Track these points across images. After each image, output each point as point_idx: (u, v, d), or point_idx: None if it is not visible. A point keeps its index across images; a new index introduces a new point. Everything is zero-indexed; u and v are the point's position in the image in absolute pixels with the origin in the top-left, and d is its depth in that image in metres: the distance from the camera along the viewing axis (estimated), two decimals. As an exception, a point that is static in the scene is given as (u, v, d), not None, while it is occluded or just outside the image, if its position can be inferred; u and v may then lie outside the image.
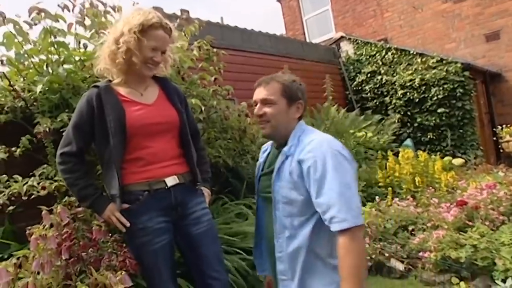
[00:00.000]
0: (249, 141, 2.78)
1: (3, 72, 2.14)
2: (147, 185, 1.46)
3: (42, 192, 1.87)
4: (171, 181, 1.49)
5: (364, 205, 3.49)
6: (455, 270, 2.49)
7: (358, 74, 6.84)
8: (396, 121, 6.09)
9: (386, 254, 2.84)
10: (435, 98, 5.77)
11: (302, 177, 1.24)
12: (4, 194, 1.95)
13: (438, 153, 5.88)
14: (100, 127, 1.47)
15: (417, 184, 3.49)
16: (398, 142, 5.79)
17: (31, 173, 2.21)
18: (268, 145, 1.54)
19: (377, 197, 3.49)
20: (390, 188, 3.67)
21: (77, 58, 2.41)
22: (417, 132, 6.11)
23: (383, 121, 6.06)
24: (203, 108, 2.19)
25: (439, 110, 5.77)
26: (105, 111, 1.47)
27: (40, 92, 2.14)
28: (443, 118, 5.76)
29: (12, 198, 1.98)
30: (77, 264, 1.56)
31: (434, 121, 5.82)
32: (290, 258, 1.29)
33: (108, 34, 1.55)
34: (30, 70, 2.35)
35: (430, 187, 3.52)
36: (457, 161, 4.07)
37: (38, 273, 1.43)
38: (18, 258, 1.44)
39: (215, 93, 2.48)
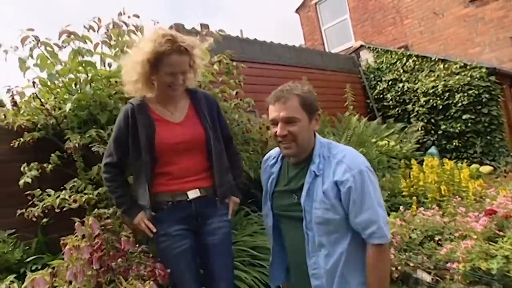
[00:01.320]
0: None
1: (35, 93, 2.28)
2: (171, 197, 1.62)
3: (74, 205, 1.96)
4: (192, 194, 1.64)
5: (388, 214, 3.43)
6: (485, 282, 2.41)
7: (379, 83, 6.78)
8: (419, 129, 5.97)
9: (412, 265, 2.77)
10: (459, 104, 5.63)
11: (339, 198, 1.27)
12: (39, 207, 2.06)
13: (465, 160, 5.73)
14: (134, 141, 1.63)
15: (443, 193, 3.40)
16: (422, 150, 5.67)
17: (62, 187, 2.33)
18: (273, 156, 1.52)
19: (401, 207, 3.42)
20: (414, 198, 3.59)
21: (103, 76, 2.54)
22: (442, 140, 5.97)
23: (406, 129, 5.96)
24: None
25: (464, 117, 5.62)
26: (138, 128, 1.61)
27: (69, 110, 2.27)
28: (469, 124, 5.61)
29: (46, 211, 2.09)
30: (107, 274, 1.62)
31: (459, 128, 5.67)
32: (328, 274, 1.32)
33: (129, 56, 1.66)
34: (61, 89, 2.49)
35: (457, 196, 3.42)
36: (485, 169, 3.95)
37: (71, 282, 1.51)
38: (53, 268, 1.52)
39: (237, 107, 2.54)
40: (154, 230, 1.61)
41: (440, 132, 5.93)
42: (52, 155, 2.32)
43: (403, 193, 3.68)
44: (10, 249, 2.17)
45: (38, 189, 2.19)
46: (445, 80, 5.78)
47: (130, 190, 1.73)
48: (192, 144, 1.65)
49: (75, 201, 1.98)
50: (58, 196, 2.10)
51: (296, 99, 1.30)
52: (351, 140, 4.21)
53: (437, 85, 5.82)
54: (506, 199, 3.11)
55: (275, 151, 1.55)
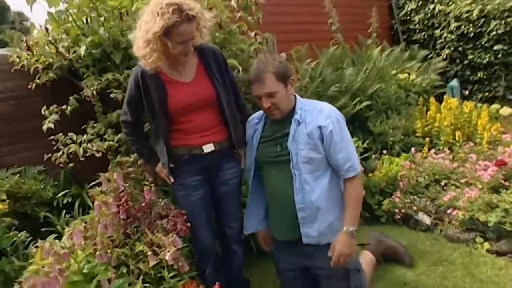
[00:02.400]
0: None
1: (48, 39, 2.19)
2: (187, 150, 1.75)
3: (97, 154, 2.06)
4: (207, 148, 1.75)
5: (398, 155, 3.51)
6: (481, 230, 2.58)
7: (407, 2, 6.19)
8: (445, 57, 5.66)
9: (415, 208, 2.94)
10: (493, 33, 5.20)
11: (321, 140, 1.57)
12: (64, 154, 2.17)
13: (486, 93, 5.55)
14: (148, 103, 1.70)
15: (457, 138, 3.40)
16: (444, 81, 5.45)
17: (82, 128, 2.41)
18: (257, 117, 1.78)
19: (413, 149, 3.47)
20: (427, 139, 3.61)
21: (114, 8, 2.40)
22: (466, 70, 5.68)
23: (429, 57, 5.65)
24: (240, 69, 2.20)
25: (495, 47, 5.24)
26: (150, 91, 1.66)
27: (84, 53, 2.22)
28: (499, 56, 5.26)
29: (71, 156, 2.20)
30: (134, 224, 1.79)
31: (487, 59, 5.35)
32: (313, 207, 1.60)
33: (137, 32, 1.59)
34: (72, 25, 2.38)
35: (470, 142, 3.42)
36: (506, 111, 3.84)
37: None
38: (86, 222, 1.68)
39: (256, 51, 2.41)
40: (172, 180, 1.80)
41: (466, 62, 5.61)
42: (71, 98, 2.35)
43: (417, 134, 3.68)
44: (42, 186, 2.35)
45: (61, 134, 2.27)
46: (483, 4, 5.24)
47: (149, 141, 1.87)
48: (204, 103, 1.72)
49: (97, 151, 2.06)
50: (81, 143, 2.19)
51: (271, 75, 1.55)
52: (370, 74, 4.06)
53: (473, 10, 5.30)
54: (520, 148, 3.11)
55: (257, 114, 1.80)
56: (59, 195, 2.39)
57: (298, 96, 1.70)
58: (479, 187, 2.81)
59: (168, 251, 1.60)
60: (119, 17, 2.51)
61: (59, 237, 2.20)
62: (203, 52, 1.72)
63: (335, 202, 1.66)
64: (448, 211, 2.79)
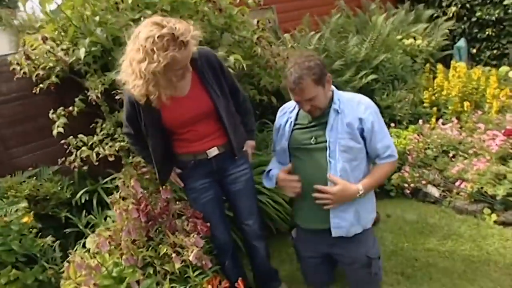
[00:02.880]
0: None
1: (47, 50, 2.14)
2: (192, 156, 1.77)
3: (110, 159, 2.09)
4: (211, 152, 1.76)
5: (406, 127, 3.51)
6: (489, 201, 2.64)
7: (412, -43, 5.86)
8: (451, 15, 5.44)
9: (424, 182, 2.99)
10: (503, -14, 4.97)
11: (360, 130, 1.64)
12: (77, 158, 2.20)
13: (495, 51, 5.40)
14: (144, 123, 1.67)
15: (465, 109, 3.37)
16: (450, 40, 5.29)
17: (91, 127, 2.44)
18: (290, 106, 1.83)
19: (420, 121, 3.46)
20: (434, 109, 3.59)
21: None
22: (474, 28, 5.48)
23: (436, 16, 5.45)
24: (245, 65, 2.14)
25: (505, 2, 5.02)
26: (142, 110, 1.62)
27: (84, 55, 2.18)
28: (509, 11, 5.05)
29: (84, 159, 2.24)
30: (155, 226, 1.86)
31: (496, 15, 5.14)
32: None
33: (126, 56, 1.47)
34: (69, 24, 2.32)
35: (478, 110, 3.40)
36: (515, 74, 3.76)
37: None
38: (109, 229, 1.75)
39: (259, 40, 2.35)
40: (182, 184, 1.86)
41: (473, 19, 5.39)
42: (76, 100, 2.35)
43: (424, 104, 3.65)
44: (59, 188, 2.41)
45: (71, 137, 2.30)
46: (491, -44, 4.96)
47: None
48: (202, 116, 1.69)
49: (110, 155, 2.09)
50: (92, 145, 2.22)
51: (310, 82, 1.56)
52: (375, 44, 3.95)
53: (481, -38, 5.03)
54: (529, 115, 3.09)
55: (291, 103, 1.83)
56: (77, 196, 2.46)
57: (333, 87, 1.74)
58: (487, 158, 2.83)
59: (192, 252, 1.69)
60: (116, 7, 2.45)
61: (82, 235, 2.32)
62: (196, 61, 1.60)
63: (366, 194, 1.71)
64: (457, 183, 2.84)
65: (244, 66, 2.14)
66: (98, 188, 2.69)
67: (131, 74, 1.44)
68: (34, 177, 2.51)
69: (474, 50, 5.58)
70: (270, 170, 1.91)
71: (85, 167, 2.27)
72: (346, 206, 1.68)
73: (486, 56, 5.49)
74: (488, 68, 4.12)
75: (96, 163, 2.16)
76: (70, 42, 2.29)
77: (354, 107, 1.67)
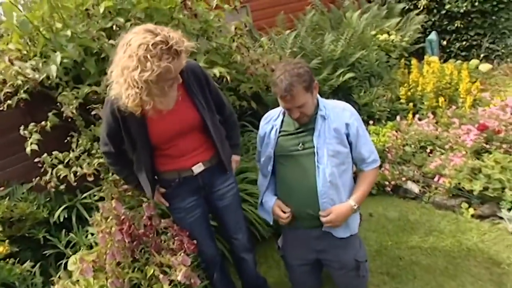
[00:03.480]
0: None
1: (16, 72, 2.00)
2: (176, 174, 1.69)
3: (89, 178, 2.01)
4: (197, 168, 1.69)
5: (385, 124, 3.57)
6: (466, 196, 2.73)
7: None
8: (422, 8, 5.56)
9: (404, 178, 3.06)
10: (470, -20, 5.10)
11: (346, 134, 1.68)
12: (53, 177, 2.10)
13: (464, 42, 5.56)
14: (127, 135, 1.60)
15: (440, 105, 3.45)
16: (421, 32, 5.40)
17: (66, 141, 2.33)
18: (274, 114, 1.83)
19: (398, 117, 3.53)
20: (410, 104, 3.66)
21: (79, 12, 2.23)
22: (444, 20, 5.62)
23: (407, 9, 5.55)
24: (229, 78, 2.08)
25: (472, -5, 5.17)
26: (128, 124, 1.55)
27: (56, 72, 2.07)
28: (476, 4, 5.20)
29: (60, 178, 2.14)
30: (140, 246, 1.81)
31: (464, 8, 5.28)
32: (337, 200, 1.68)
33: (115, 65, 1.39)
34: (38, 35, 2.20)
35: (452, 106, 3.50)
36: (485, 67, 3.88)
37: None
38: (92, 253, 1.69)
39: (239, 48, 2.30)
40: (167, 204, 1.78)
41: (443, 12, 5.52)
42: (50, 114, 2.23)
43: (401, 100, 3.72)
44: (35, 207, 2.30)
45: (46, 155, 2.19)
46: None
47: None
48: (189, 129, 1.64)
49: (89, 174, 2.01)
50: (69, 163, 2.12)
51: (300, 88, 1.57)
52: (351, 41, 3.98)
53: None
54: (499, 108, 3.21)
55: (275, 111, 1.84)
56: (55, 216, 2.35)
57: (318, 96, 1.77)
58: (463, 153, 2.92)
59: (180, 271, 1.65)
60: (86, 14, 2.33)
61: (63, 255, 2.23)
62: (182, 73, 1.52)
63: (347, 191, 1.75)
64: (435, 179, 2.93)
65: (228, 78, 2.08)
66: (76, 204, 2.59)
67: (124, 83, 1.36)
68: (7, 197, 2.38)
69: (445, 42, 5.74)
70: (264, 201, 1.87)
71: (62, 186, 2.17)
72: (334, 198, 1.70)
73: (456, 47, 5.66)
74: (459, 61, 4.23)
75: (74, 183, 2.06)
76: (40, 56, 2.16)
77: (339, 113, 1.70)
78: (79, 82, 2.35)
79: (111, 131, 1.60)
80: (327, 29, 4.28)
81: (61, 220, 2.45)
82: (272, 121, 1.82)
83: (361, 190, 1.74)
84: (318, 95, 1.77)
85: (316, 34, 4.16)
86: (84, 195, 2.56)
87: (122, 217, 1.76)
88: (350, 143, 1.71)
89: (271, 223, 1.90)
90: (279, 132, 1.78)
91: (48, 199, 2.54)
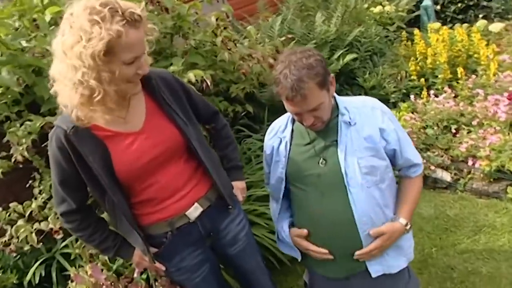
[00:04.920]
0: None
1: None
2: (168, 225, 1.23)
3: (57, 236, 1.56)
4: (193, 212, 1.24)
5: (395, 106, 3.16)
6: (509, 178, 2.34)
7: None
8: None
9: (432, 168, 2.66)
10: None
11: (383, 142, 1.26)
12: (13, 236, 1.65)
13: (459, 4, 5.15)
14: (88, 175, 1.13)
15: (459, 75, 3.04)
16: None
17: (28, 184, 1.89)
18: (280, 124, 1.39)
19: (411, 96, 3.12)
20: (422, 80, 3.25)
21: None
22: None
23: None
24: (209, 82, 1.61)
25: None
26: (85, 158, 1.09)
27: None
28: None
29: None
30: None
31: (457, -33, 4.87)
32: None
33: (59, 62, 1.00)
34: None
35: (473, 75, 3.09)
36: (496, 27, 3.48)
37: None
38: None
39: (225, 43, 1.83)
40: (163, 268, 1.29)
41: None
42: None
43: (412, 77, 3.30)
44: (1, 273, 1.86)
45: (0, 209, 1.73)
46: None
47: (108, 227, 1.28)
48: (168, 154, 1.19)
49: (57, 231, 1.56)
50: (32, 215, 1.68)
51: (313, 86, 1.14)
52: (344, 18, 3.54)
53: None
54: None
55: (280, 120, 1.41)
56: (28, 277, 1.91)
57: (334, 94, 1.33)
58: (495, 128, 2.53)
59: None
60: (35, 26, 1.87)
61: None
62: (149, 82, 1.16)
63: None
64: (469, 163, 2.53)
65: (209, 82, 1.62)
66: (56, 255, 2.15)
67: (66, 71, 0.98)
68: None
69: (438, 7, 5.32)
70: (278, 232, 1.46)
71: (27, 247, 1.70)
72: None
73: (451, 11, 5.24)
74: (465, 25, 3.81)
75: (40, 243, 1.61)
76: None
77: (368, 115, 1.28)
78: (36, 110, 1.89)
79: (64, 176, 1.13)
80: (315, 8, 3.82)
81: (38, 281, 2.01)
82: (279, 133, 1.38)
83: (409, 201, 1.31)
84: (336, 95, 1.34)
85: (305, 15, 3.71)
86: (65, 242, 2.11)
87: (102, 284, 1.33)
88: (389, 151, 1.28)
89: (300, 258, 1.45)
90: (290, 146, 1.34)
91: (18, 256, 2.09)
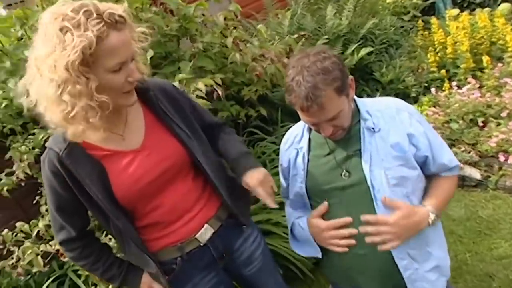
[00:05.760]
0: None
1: None
2: (177, 250, 1.13)
3: (63, 259, 1.48)
4: (204, 235, 1.13)
5: (416, 100, 2.99)
6: (549, 174, 2.16)
7: None
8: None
9: (460, 165, 2.48)
10: None
11: (412, 149, 1.12)
12: (20, 259, 1.57)
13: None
14: (87, 199, 1.02)
15: (484, 64, 2.85)
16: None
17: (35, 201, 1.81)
18: (295, 135, 1.26)
19: (432, 89, 2.94)
20: (443, 71, 3.07)
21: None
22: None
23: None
24: (220, 92, 1.49)
25: None
26: (81, 181, 0.99)
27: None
28: None
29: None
30: None
31: None
32: (420, 247, 1.13)
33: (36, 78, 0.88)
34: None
35: (497, 63, 2.90)
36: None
37: None
38: None
39: (236, 44, 1.70)
40: None
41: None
42: (2, 177, 1.69)
43: (432, 69, 3.12)
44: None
45: (6, 230, 1.65)
46: None
47: (112, 254, 1.19)
48: (174, 171, 1.08)
49: (62, 254, 1.46)
50: (39, 235, 1.59)
51: (331, 93, 1.02)
52: (357, 10, 3.38)
53: None
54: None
55: (294, 129, 1.28)
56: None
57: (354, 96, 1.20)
58: (528, 120, 2.35)
59: None
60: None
61: None
62: (147, 94, 1.05)
63: (439, 230, 1.21)
64: (501, 158, 2.36)
65: (220, 92, 1.49)
66: (68, 272, 2.07)
67: (43, 87, 0.87)
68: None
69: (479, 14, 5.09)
70: (293, 227, 1.31)
71: (35, 269, 1.61)
72: (425, 261, 1.14)
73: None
74: (487, 9, 3.61)
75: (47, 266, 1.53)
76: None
77: (394, 118, 1.14)
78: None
79: (61, 202, 1.03)
80: (325, 1, 3.67)
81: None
82: (295, 144, 1.26)
83: (442, 195, 1.15)
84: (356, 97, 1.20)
85: (315, 9, 3.56)
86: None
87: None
88: (420, 158, 1.13)
89: (319, 255, 1.25)
90: (308, 157, 1.21)
91: (29, 275, 2.01)
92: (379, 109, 1.15)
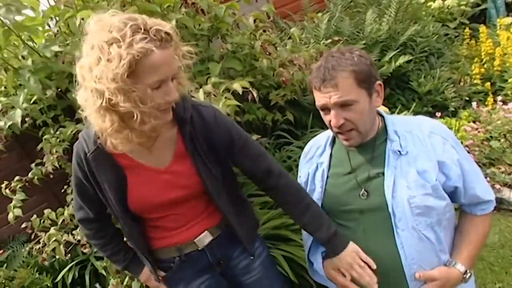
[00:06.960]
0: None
1: None
2: (176, 251, 1.18)
3: (84, 250, 1.53)
4: (203, 240, 1.17)
5: (454, 114, 2.83)
6: None
7: None
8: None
9: (498, 187, 2.33)
10: None
11: (442, 178, 1.04)
12: (46, 245, 1.64)
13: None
14: (103, 196, 1.09)
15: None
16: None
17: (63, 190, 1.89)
18: (316, 148, 1.21)
19: (473, 103, 2.77)
20: (487, 84, 2.88)
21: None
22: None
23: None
24: (255, 94, 1.44)
25: None
26: (100, 184, 1.05)
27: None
28: None
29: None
30: None
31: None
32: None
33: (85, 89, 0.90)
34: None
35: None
36: None
37: None
38: None
39: (265, 48, 1.68)
40: None
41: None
42: (33, 167, 1.78)
43: (475, 81, 2.94)
44: (36, 275, 1.89)
45: (35, 216, 1.74)
46: None
47: (122, 240, 1.27)
48: (187, 198, 1.11)
49: (83, 245, 1.52)
50: (64, 223, 1.66)
51: (347, 75, 0.99)
52: (398, 15, 3.24)
53: None
54: None
55: (317, 140, 1.25)
56: (59, 277, 1.91)
57: (383, 112, 1.14)
58: None
59: None
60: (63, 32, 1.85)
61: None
62: (185, 127, 1.04)
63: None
64: (545, 183, 2.18)
65: (255, 94, 1.47)
66: (90, 258, 2.16)
67: (90, 96, 0.88)
68: (5, 264, 1.98)
69: None
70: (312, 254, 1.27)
71: (58, 256, 1.68)
72: None
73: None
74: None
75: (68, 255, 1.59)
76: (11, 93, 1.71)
77: (425, 142, 1.05)
78: (73, 115, 1.89)
79: (81, 188, 1.10)
80: (365, 4, 3.55)
81: (71, 280, 2.03)
82: (315, 158, 1.21)
83: (473, 245, 1.08)
84: (383, 111, 1.14)
85: (354, 12, 3.46)
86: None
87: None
88: (450, 188, 1.06)
89: None
90: (328, 174, 1.16)
91: (53, 258, 2.11)
92: (409, 130, 1.07)
